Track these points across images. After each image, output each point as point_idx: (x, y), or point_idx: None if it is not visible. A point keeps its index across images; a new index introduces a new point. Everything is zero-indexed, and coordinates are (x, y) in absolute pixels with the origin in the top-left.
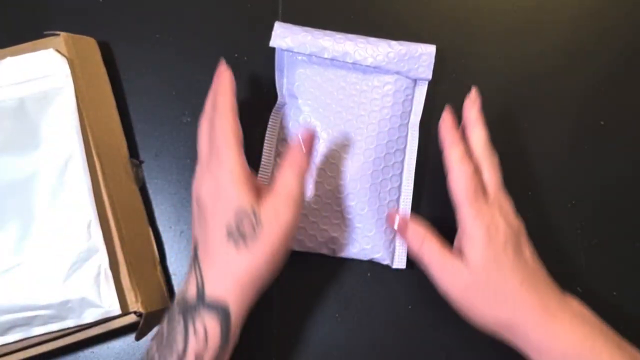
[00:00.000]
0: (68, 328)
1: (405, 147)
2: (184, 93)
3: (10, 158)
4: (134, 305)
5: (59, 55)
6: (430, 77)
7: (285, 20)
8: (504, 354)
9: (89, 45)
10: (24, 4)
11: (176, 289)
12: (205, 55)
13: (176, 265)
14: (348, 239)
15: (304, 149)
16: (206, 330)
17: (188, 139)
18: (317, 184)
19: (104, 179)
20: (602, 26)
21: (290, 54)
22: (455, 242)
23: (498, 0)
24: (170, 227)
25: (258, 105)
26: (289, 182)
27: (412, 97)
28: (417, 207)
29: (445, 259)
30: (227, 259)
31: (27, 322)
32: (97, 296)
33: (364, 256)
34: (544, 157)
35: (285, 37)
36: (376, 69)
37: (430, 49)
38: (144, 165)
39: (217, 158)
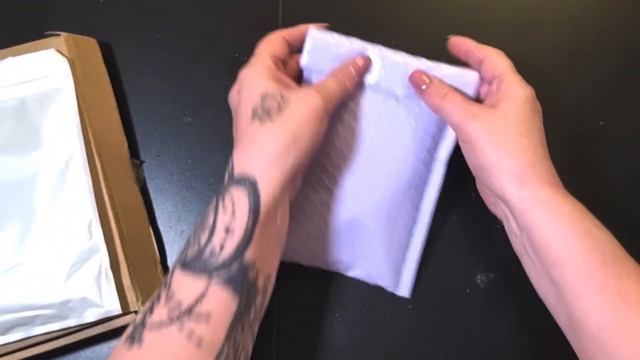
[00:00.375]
0: (69, 327)
1: (428, 180)
2: (184, 93)
3: (11, 158)
4: (135, 304)
5: (59, 55)
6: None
7: (286, 20)
8: (503, 354)
9: (90, 46)
10: (24, 4)
11: None
12: (205, 55)
13: None
14: (355, 263)
15: (355, 71)
16: (234, 203)
17: (189, 139)
18: (331, 209)
19: (105, 179)
20: (602, 26)
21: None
22: (493, 102)
23: (498, 0)
24: (171, 227)
25: None
26: (329, 83)
27: (444, 128)
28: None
29: (472, 105)
30: (252, 135)
31: (28, 322)
32: (98, 296)
33: (370, 280)
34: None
35: (317, 58)
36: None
37: (473, 78)
38: (144, 165)
39: (247, 66)
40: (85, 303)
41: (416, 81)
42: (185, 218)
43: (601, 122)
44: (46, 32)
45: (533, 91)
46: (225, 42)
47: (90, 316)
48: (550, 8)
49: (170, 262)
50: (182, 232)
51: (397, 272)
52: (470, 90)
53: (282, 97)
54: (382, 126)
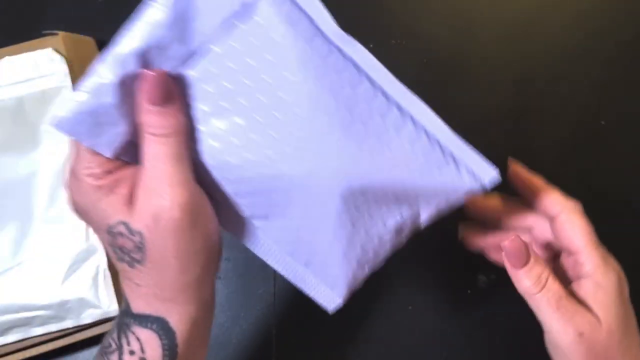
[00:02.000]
0: (67, 328)
1: (356, 64)
2: None
3: (9, 158)
4: None
5: (57, 54)
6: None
7: None
8: (503, 354)
9: (88, 45)
10: (23, 3)
11: None
12: None
13: None
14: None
15: (153, 105)
16: (141, 344)
17: None
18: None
19: None
20: (602, 26)
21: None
22: (575, 288)
23: (498, 0)
24: None
25: None
26: (154, 164)
27: None
28: None
29: (576, 310)
30: (135, 279)
31: (26, 323)
32: (96, 297)
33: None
34: (544, 157)
35: None
36: None
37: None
38: None
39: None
40: (83, 304)
41: (512, 251)
42: None
43: (602, 122)
44: (44, 32)
45: (618, 271)
46: None
47: (88, 317)
48: (550, 8)
49: None
50: None
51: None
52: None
53: (129, 229)
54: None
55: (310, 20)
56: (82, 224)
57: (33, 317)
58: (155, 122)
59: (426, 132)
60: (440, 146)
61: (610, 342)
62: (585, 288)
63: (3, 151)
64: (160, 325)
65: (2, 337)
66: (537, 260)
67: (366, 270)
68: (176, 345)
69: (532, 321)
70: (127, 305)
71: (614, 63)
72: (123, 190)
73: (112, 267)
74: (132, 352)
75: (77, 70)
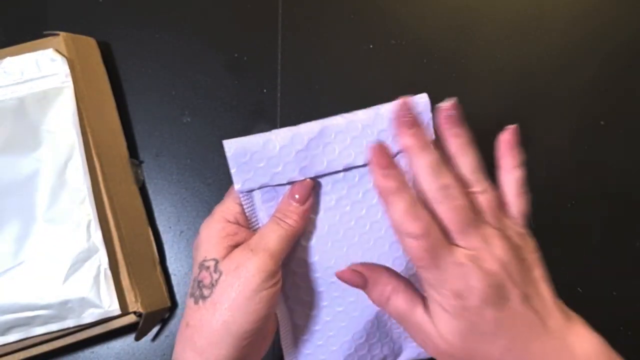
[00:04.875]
0: (68, 328)
1: None
2: (184, 93)
3: (11, 158)
4: (134, 305)
5: (58, 55)
6: (433, 135)
7: (286, 20)
8: None
9: (89, 45)
10: (23, 4)
11: (176, 289)
12: (205, 55)
13: (176, 265)
14: (402, 349)
15: (296, 203)
16: None
17: (188, 139)
18: (355, 317)
19: (104, 179)
20: (602, 26)
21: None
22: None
23: (498, 0)
24: (170, 227)
25: (257, 106)
26: (267, 235)
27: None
28: None
29: (418, 322)
30: (187, 318)
31: (27, 322)
32: (97, 296)
33: (424, 356)
34: (544, 157)
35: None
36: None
37: (425, 101)
38: (143, 165)
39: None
40: (84, 303)
41: (353, 281)
42: (184, 218)
43: (601, 122)
44: (45, 32)
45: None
46: (225, 42)
47: (89, 316)
48: (550, 8)
49: (169, 262)
50: (181, 232)
51: None
52: (426, 117)
53: (216, 267)
54: (354, 209)
55: None
56: (83, 223)
57: (34, 317)
58: (288, 212)
59: None
60: None
61: (452, 354)
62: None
63: (4, 151)
64: None
65: (3, 337)
66: (379, 280)
67: None
68: None
69: None
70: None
71: (613, 63)
72: (233, 241)
73: (113, 267)
74: None
75: (79, 71)
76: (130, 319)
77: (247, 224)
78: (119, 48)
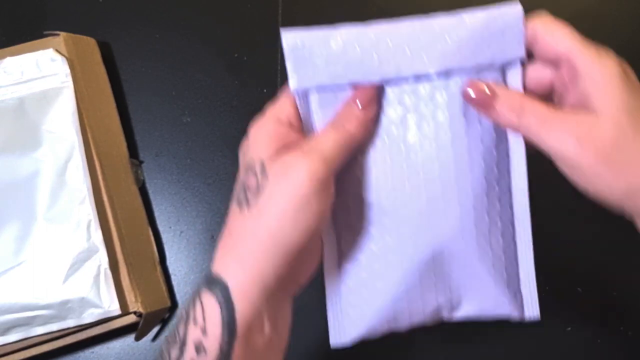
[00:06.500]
0: (68, 328)
1: (509, 165)
2: (184, 93)
3: (11, 158)
4: (134, 305)
5: (58, 55)
6: (523, 54)
7: (286, 20)
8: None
9: (89, 45)
10: (24, 4)
11: (176, 289)
12: (205, 55)
13: (176, 265)
14: (461, 301)
15: (359, 107)
16: (204, 314)
17: (188, 138)
18: (408, 253)
19: (104, 179)
20: (602, 26)
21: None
22: (574, 100)
23: (498, 1)
24: (170, 227)
25: (257, 106)
26: (322, 138)
27: None
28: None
29: (565, 118)
30: (230, 224)
31: (28, 322)
32: (97, 296)
33: (486, 315)
34: (545, 157)
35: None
36: (445, 74)
37: (516, 12)
38: (143, 165)
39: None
40: (84, 303)
41: (475, 96)
42: (184, 218)
43: None
44: (45, 32)
45: (618, 61)
46: (225, 42)
47: (89, 316)
48: (549, 8)
49: (169, 262)
50: (181, 232)
51: (515, 293)
52: (518, 36)
53: (262, 170)
54: (421, 128)
55: None
56: (83, 223)
57: (34, 317)
58: (348, 117)
59: (514, 249)
60: (514, 267)
61: (620, 135)
62: (581, 90)
63: (4, 151)
64: (222, 292)
65: (3, 337)
66: (505, 91)
67: (386, 328)
68: (235, 323)
69: (532, 323)
70: (209, 268)
71: None
72: (284, 143)
73: (113, 267)
74: (195, 321)
75: (79, 71)
76: (130, 319)
77: (301, 128)
78: (119, 48)
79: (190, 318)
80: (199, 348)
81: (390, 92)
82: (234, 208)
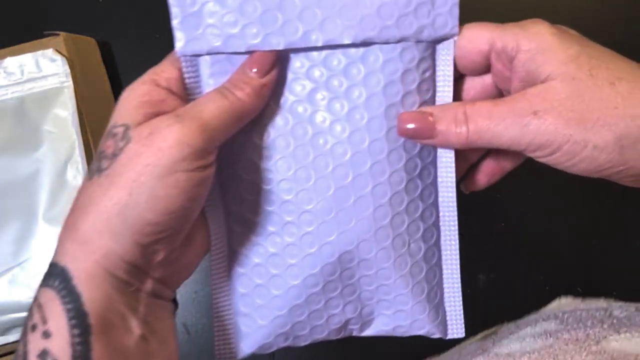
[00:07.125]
0: None
1: (435, 158)
2: None
3: (11, 158)
4: None
5: (59, 55)
6: (457, 31)
7: None
8: None
9: (89, 45)
10: (24, 4)
11: None
12: None
13: None
14: (373, 315)
15: (253, 73)
16: (43, 312)
17: None
18: (310, 255)
19: None
20: (602, 26)
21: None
22: (516, 89)
23: (496, 2)
24: None
25: None
26: (203, 103)
27: (434, 73)
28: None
29: (514, 101)
30: (75, 199)
31: None
32: None
33: (401, 333)
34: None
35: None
36: (364, 45)
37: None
38: None
39: None
40: None
41: (415, 125)
42: None
43: None
44: (45, 32)
45: (546, 23)
46: None
47: None
48: (549, 8)
49: None
50: None
51: (437, 308)
52: (452, 8)
53: (125, 133)
54: (332, 107)
55: None
56: None
57: None
58: (240, 83)
59: (438, 255)
60: (437, 277)
61: (578, 86)
62: (521, 69)
63: (5, 151)
64: (61, 280)
65: (3, 337)
66: (438, 107)
67: (282, 342)
68: (85, 313)
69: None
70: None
71: None
72: (156, 108)
73: None
74: (33, 327)
75: (78, 71)
76: None
77: (184, 95)
78: (119, 48)
79: (27, 328)
80: (44, 356)
81: (297, 62)
82: (85, 183)
